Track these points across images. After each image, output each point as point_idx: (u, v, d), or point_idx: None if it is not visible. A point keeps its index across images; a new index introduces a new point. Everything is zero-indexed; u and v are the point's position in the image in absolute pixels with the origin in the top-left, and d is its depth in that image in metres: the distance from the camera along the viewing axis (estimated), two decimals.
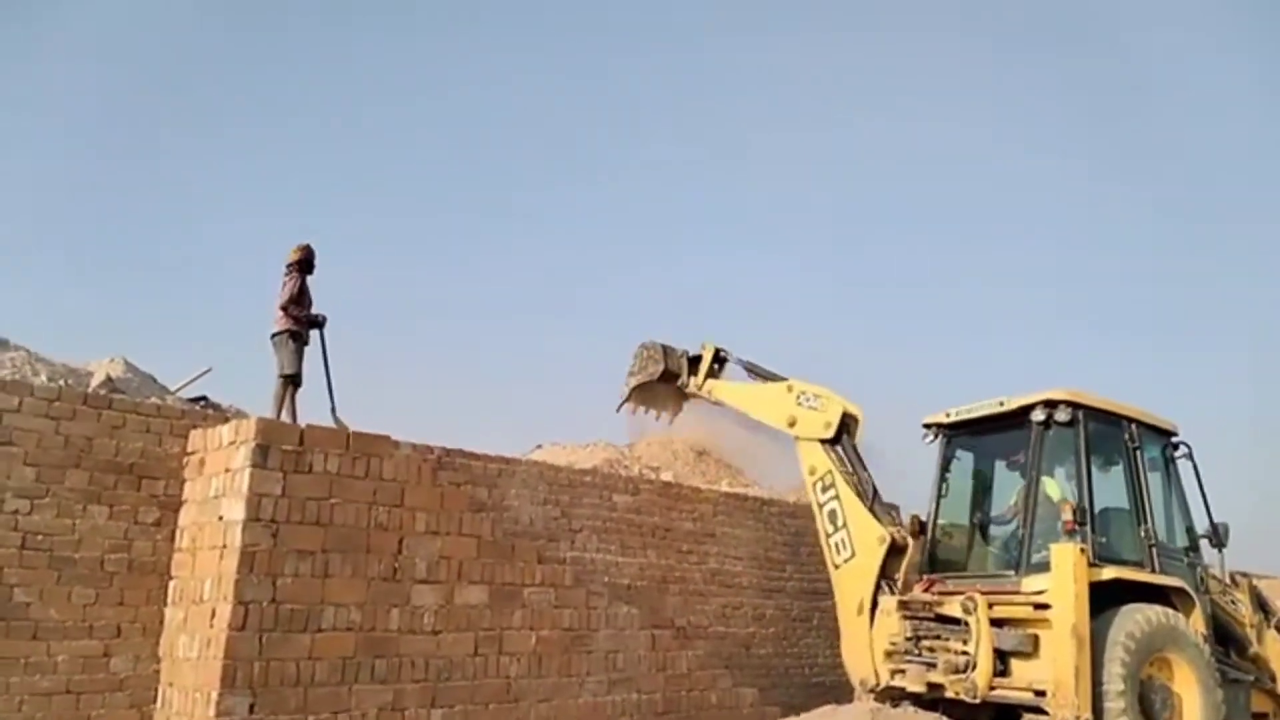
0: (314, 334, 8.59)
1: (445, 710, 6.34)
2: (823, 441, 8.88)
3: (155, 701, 6.11)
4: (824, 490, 8.73)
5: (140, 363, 9.33)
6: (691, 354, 10.37)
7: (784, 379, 9.52)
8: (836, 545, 8.53)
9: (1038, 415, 8.29)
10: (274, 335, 8.44)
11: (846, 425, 8.90)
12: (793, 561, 11.37)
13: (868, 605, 8.19)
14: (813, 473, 8.86)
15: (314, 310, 8.59)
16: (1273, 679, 8.90)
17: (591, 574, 8.80)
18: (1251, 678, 8.69)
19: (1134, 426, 8.62)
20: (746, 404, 9.81)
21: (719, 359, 10.24)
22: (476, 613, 6.68)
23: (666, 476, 12.55)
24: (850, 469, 8.78)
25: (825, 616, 11.25)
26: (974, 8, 44.31)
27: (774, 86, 44.97)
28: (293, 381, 8.35)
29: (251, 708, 5.56)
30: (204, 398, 8.77)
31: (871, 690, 7.98)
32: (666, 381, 10.33)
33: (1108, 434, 8.54)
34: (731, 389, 10.05)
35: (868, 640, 8.11)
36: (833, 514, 8.59)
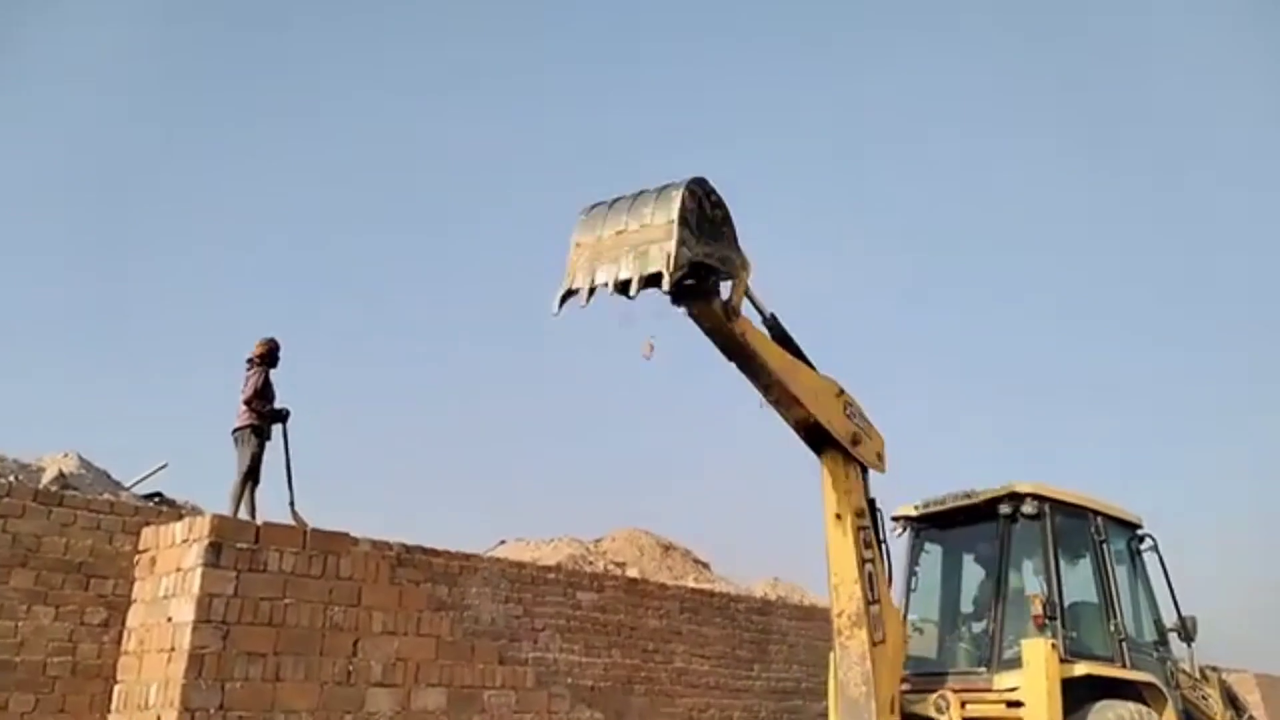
0: (276, 427, 8.51)
1: None
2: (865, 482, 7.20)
3: None
4: (867, 546, 6.96)
5: (95, 457, 9.16)
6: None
7: (812, 364, 6.72)
8: (875, 620, 6.98)
9: (1004, 508, 8.29)
10: (235, 431, 8.34)
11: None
12: (760, 660, 11.15)
13: (899, 703, 7.29)
14: (861, 515, 6.95)
15: (277, 404, 8.53)
16: None
17: (554, 675, 8.57)
18: None
19: (1099, 519, 8.64)
20: (796, 380, 6.46)
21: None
22: (434, 718, 6.45)
23: (632, 573, 12.38)
24: (879, 535, 7.33)
25: (795, 718, 11.02)
26: None
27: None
28: (252, 478, 8.22)
29: None
30: (159, 494, 8.59)
31: None
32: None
33: (1074, 527, 8.55)
34: (773, 348, 6.38)
35: None
36: (871, 579, 6.94)
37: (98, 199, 33.10)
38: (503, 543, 14.33)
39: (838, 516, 6.94)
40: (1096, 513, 8.65)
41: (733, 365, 6.32)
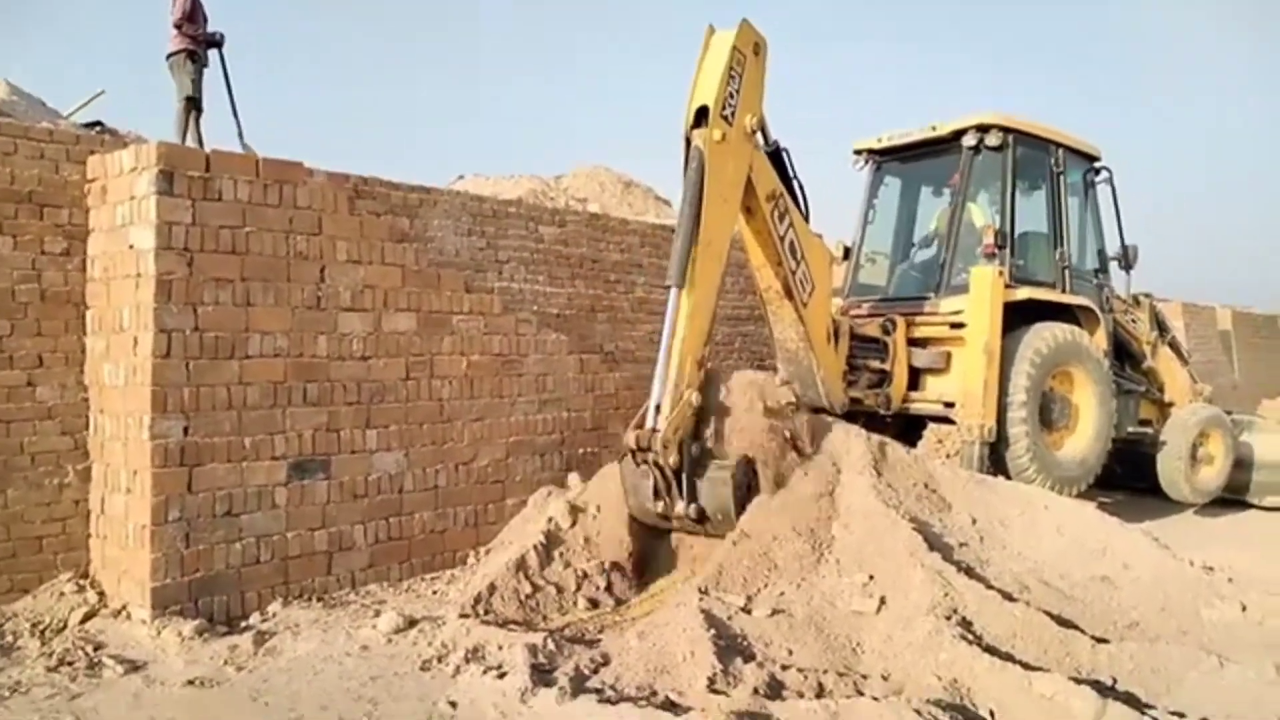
0: (213, 55, 8.08)
1: (380, 430, 6.47)
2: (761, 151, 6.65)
3: (87, 428, 6.11)
4: (781, 219, 6.75)
5: (24, 85, 8.69)
6: None
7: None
8: (801, 282, 6.99)
9: (969, 140, 8.30)
10: (169, 56, 7.93)
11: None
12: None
13: (833, 331, 7.67)
14: (772, 196, 6.68)
15: (210, 28, 8.03)
16: (1160, 390, 9.60)
17: (520, 303, 8.85)
18: (1142, 389, 9.37)
19: (1060, 151, 8.72)
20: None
21: None
22: (405, 339, 6.68)
23: (593, 208, 12.45)
24: (790, 180, 7.00)
25: (748, 340, 11.64)
26: None
27: None
28: (194, 105, 7.91)
29: (186, 430, 5.60)
30: (99, 123, 8.24)
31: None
32: None
33: (1034, 159, 8.64)
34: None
35: (838, 367, 7.73)
36: (793, 247, 6.85)
37: None
38: (461, 178, 14.21)
39: (749, 210, 6.63)
40: (1058, 144, 8.71)
41: None
